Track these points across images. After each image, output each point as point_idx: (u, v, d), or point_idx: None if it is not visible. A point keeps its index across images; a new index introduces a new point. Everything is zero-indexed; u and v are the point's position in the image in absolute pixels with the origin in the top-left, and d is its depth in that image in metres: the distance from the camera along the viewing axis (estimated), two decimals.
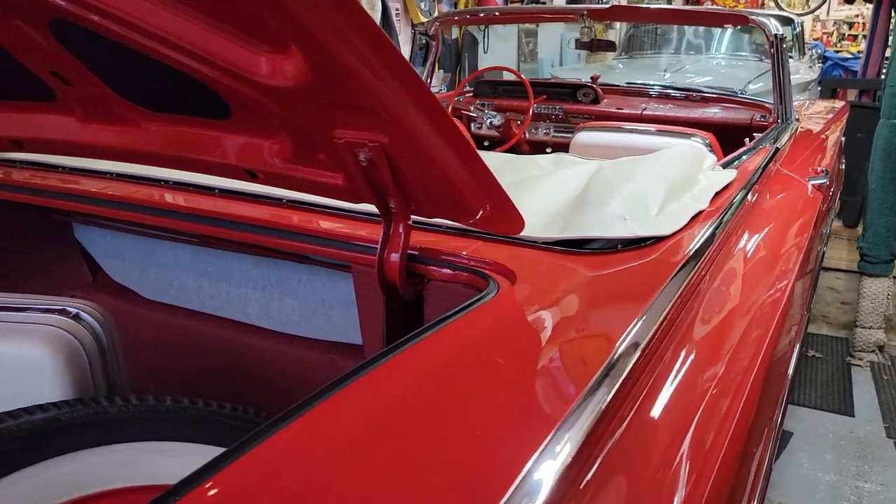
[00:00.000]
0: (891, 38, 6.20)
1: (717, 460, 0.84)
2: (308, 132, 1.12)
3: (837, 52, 13.22)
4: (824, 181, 2.53)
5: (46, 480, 0.90)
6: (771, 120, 3.60)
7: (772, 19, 3.42)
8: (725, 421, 0.91)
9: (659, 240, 1.30)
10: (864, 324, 3.72)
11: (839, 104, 4.80)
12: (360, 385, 0.83)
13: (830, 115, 4.09)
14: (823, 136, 3.55)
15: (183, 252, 1.79)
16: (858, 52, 14.41)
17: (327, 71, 0.92)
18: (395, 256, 1.19)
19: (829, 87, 7.45)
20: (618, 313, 1.01)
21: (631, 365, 0.84)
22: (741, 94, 4.31)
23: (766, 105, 3.85)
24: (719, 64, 7.00)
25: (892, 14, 6.29)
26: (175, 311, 1.82)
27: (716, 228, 1.39)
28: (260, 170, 1.29)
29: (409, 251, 1.19)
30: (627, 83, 4.49)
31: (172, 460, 0.99)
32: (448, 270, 1.20)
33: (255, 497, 0.65)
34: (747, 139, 3.19)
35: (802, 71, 7.68)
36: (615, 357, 0.85)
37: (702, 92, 4.24)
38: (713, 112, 3.85)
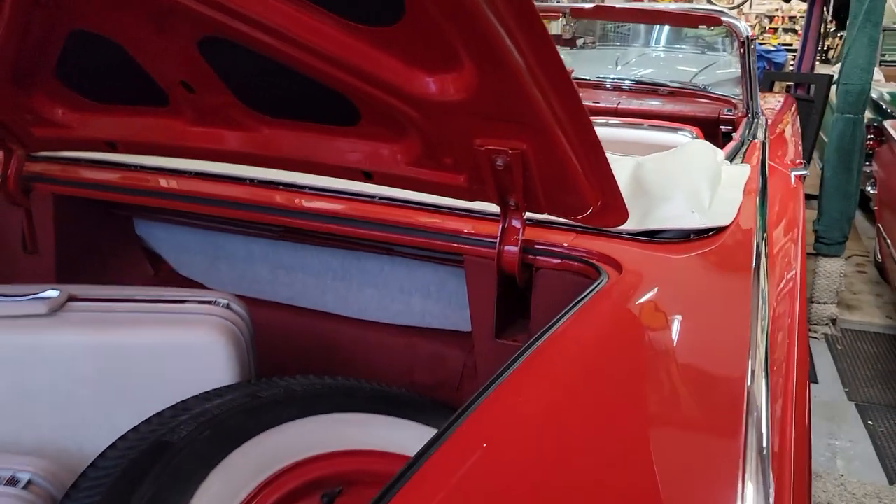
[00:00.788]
0: (840, 36, 6.67)
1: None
2: (445, 140, 1.26)
3: (761, 44, 13.89)
4: (805, 172, 2.82)
5: (268, 449, 1.03)
6: (739, 114, 3.89)
7: (742, 21, 3.71)
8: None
9: (720, 229, 1.51)
10: (819, 299, 4.11)
11: (780, 97, 5.17)
12: (530, 369, 0.97)
13: (777, 108, 4.42)
14: (781, 128, 3.86)
15: (258, 245, 1.90)
16: (780, 44, 15.30)
17: (497, 87, 1.07)
18: (512, 249, 1.35)
19: (768, 80, 7.96)
20: (729, 296, 1.21)
21: (766, 343, 1.03)
22: (706, 89, 4.62)
23: (731, 100, 4.15)
24: (659, 57, 7.34)
25: (825, 12, 6.79)
26: (247, 301, 1.93)
27: (762, 217, 1.62)
28: (378, 171, 1.43)
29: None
30: (598, 77, 4.73)
31: (356, 428, 1.13)
32: (556, 260, 1.38)
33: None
34: (734, 132, 3.44)
35: (735, 65, 8.14)
36: (756, 337, 1.03)
37: (668, 87, 4.52)
38: (683, 107, 4.12)
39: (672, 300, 1.20)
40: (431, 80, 1.12)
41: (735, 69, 8.24)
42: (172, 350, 1.21)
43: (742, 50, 3.80)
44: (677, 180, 1.65)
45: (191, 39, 1.26)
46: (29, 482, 1.04)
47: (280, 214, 1.62)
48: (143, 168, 1.80)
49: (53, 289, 1.25)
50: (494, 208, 1.43)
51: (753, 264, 1.33)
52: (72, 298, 1.25)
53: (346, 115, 1.36)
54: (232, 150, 1.53)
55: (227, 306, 1.30)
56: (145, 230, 2.04)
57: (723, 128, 3.95)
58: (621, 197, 1.28)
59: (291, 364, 1.81)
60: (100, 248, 1.98)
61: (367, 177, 1.46)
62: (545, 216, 1.40)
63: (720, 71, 5.33)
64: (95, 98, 1.58)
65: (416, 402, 1.27)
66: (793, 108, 4.78)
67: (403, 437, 1.16)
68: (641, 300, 1.21)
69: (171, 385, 1.22)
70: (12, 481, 1.03)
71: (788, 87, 7.33)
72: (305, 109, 1.40)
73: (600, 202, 1.30)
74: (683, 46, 8.01)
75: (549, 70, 1.02)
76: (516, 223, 1.35)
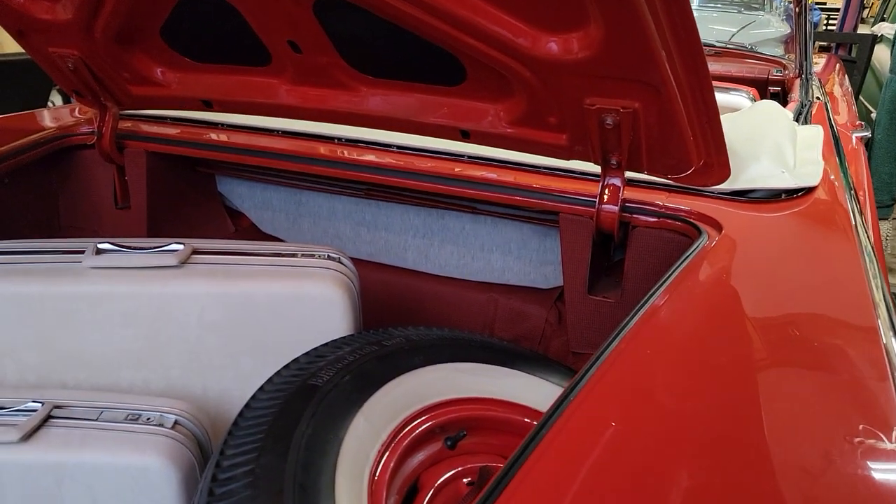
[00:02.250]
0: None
1: None
2: (553, 100, 1.29)
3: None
4: (866, 133, 2.79)
5: (399, 394, 1.09)
6: (790, 75, 3.83)
7: None
8: None
9: (809, 189, 1.53)
10: None
11: (822, 58, 5.06)
12: (651, 326, 0.99)
13: (821, 69, 4.34)
14: (829, 89, 3.80)
15: (340, 203, 1.95)
16: (814, 3, 14.83)
17: (623, 46, 1.09)
18: (611, 207, 1.39)
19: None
20: (837, 255, 1.23)
21: (885, 301, 1.06)
22: (753, 49, 4.54)
23: (781, 60, 4.08)
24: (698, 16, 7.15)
25: None
26: None
27: (846, 177, 1.63)
28: (477, 131, 1.46)
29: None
30: None
31: (473, 377, 1.19)
32: (653, 218, 1.41)
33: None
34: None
35: (776, 23, 7.95)
36: (875, 295, 1.06)
37: (714, 46, 4.45)
38: (731, 67, 4.05)
39: (781, 259, 1.23)
40: (554, 39, 1.14)
41: (774, 29, 8.07)
42: (294, 301, 1.27)
43: (797, 8, 3.73)
44: (761, 141, 1.66)
45: (308, 1, 1.29)
46: (175, 423, 1.11)
47: (369, 172, 1.66)
48: (232, 126, 1.85)
49: (178, 242, 1.31)
50: (588, 167, 1.46)
51: (853, 223, 1.35)
52: (195, 252, 1.31)
53: (451, 74, 1.38)
54: (330, 109, 1.57)
55: (339, 260, 1.36)
56: (227, 187, 2.09)
57: (771, 89, 3.90)
58: (727, 155, 1.30)
59: (372, 318, 1.88)
60: (185, 204, 2.04)
61: (465, 136, 1.49)
62: (633, 174, 1.42)
63: (758, 31, 5.23)
64: (196, 57, 1.61)
65: (524, 353, 1.32)
66: (838, 68, 4.69)
67: (516, 385, 1.22)
68: (750, 258, 1.24)
69: (292, 334, 1.29)
70: (160, 422, 1.10)
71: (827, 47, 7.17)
72: (410, 70, 1.43)
73: (703, 161, 1.32)
74: (717, 5, 7.84)
75: (678, 27, 1.04)
76: (616, 182, 1.38)
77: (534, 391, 1.22)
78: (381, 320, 1.93)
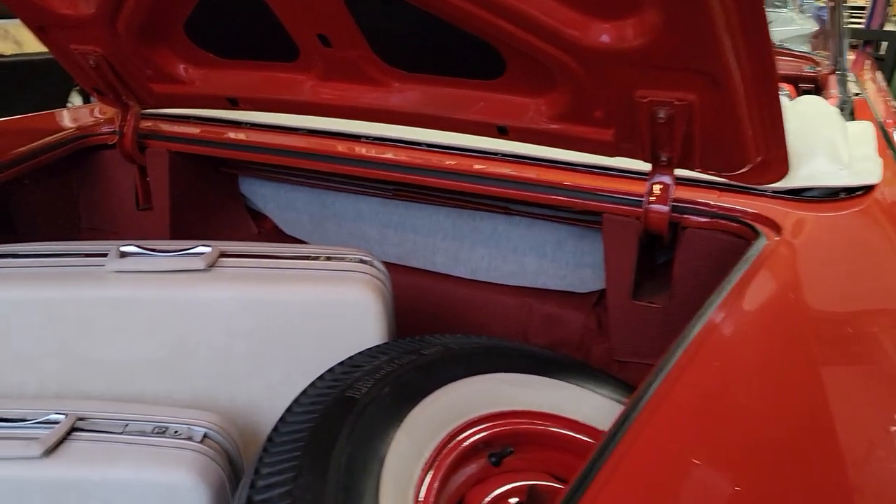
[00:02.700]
0: None
1: None
2: (601, 92, 1.21)
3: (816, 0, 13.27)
4: None
5: (441, 407, 1.02)
6: (824, 72, 3.73)
7: None
8: None
9: (869, 187, 1.44)
10: None
11: (851, 55, 4.94)
12: (718, 335, 0.93)
13: (850, 66, 4.22)
14: (864, 85, 3.69)
15: (367, 204, 1.88)
16: None
17: (683, 32, 1.01)
18: (661, 207, 1.31)
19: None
20: None
21: None
22: (783, 45, 4.43)
23: (813, 57, 3.97)
24: None
25: None
26: None
27: None
28: (515, 127, 1.39)
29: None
30: None
31: (518, 388, 1.12)
32: (705, 218, 1.33)
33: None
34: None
35: (799, 21, 7.83)
36: None
37: None
38: None
39: (847, 262, 1.15)
40: (606, 27, 1.07)
41: (799, 26, 7.95)
42: (326, 306, 1.20)
43: (832, 3, 3.62)
44: (813, 137, 1.58)
45: None
46: (204, 436, 1.05)
47: (397, 171, 1.59)
48: (255, 125, 1.79)
49: (204, 244, 1.24)
50: (633, 165, 1.39)
51: None
52: (222, 255, 1.25)
53: (489, 67, 1.31)
54: (359, 106, 1.50)
55: (371, 263, 1.29)
56: (250, 188, 2.04)
57: (802, 86, 3.80)
58: (786, 150, 1.22)
59: (399, 324, 1.81)
60: (207, 205, 1.98)
61: (502, 132, 1.42)
62: (681, 171, 1.34)
63: (783, 28, 5.13)
64: (221, 53, 1.55)
65: (569, 362, 1.24)
66: (869, 65, 4.58)
67: (563, 397, 1.14)
68: (814, 261, 1.15)
69: (323, 342, 1.22)
70: (188, 435, 1.04)
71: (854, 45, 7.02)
72: (444, 62, 1.36)
73: (761, 157, 1.24)
74: None
75: (745, 9, 0.96)
76: (667, 180, 1.30)
77: (582, 404, 1.15)
78: (408, 326, 1.85)
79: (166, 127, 1.83)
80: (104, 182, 1.94)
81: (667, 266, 1.54)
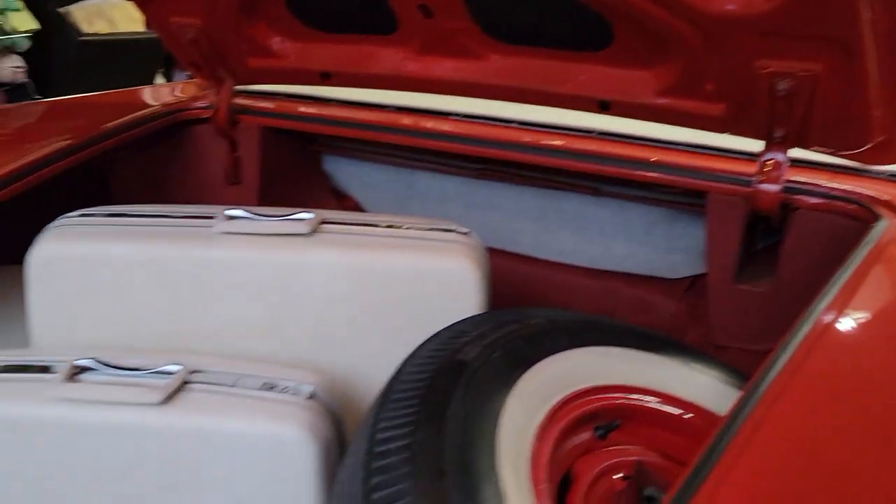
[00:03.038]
0: None
1: None
2: (716, 63, 1.17)
3: None
4: None
5: (549, 377, 1.00)
6: None
7: None
8: None
9: None
10: None
11: None
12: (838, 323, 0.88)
13: None
14: None
15: (451, 184, 1.88)
16: None
17: None
18: (772, 187, 1.26)
19: None
20: None
21: None
22: None
23: None
24: None
25: None
26: None
27: None
28: (619, 101, 1.36)
29: None
30: None
31: (624, 363, 1.09)
32: (819, 199, 1.28)
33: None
34: None
35: None
36: None
37: None
38: None
39: None
40: None
41: None
42: (426, 275, 1.20)
43: None
44: None
45: None
46: (311, 394, 1.05)
47: (486, 147, 1.57)
48: (344, 102, 1.80)
49: (306, 211, 1.25)
50: (737, 143, 1.34)
51: None
52: (323, 221, 1.26)
53: (595, 38, 1.29)
54: (455, 80, 1.50)
55: (469, 235, 1.28)
56: (334, 167, 2.05)
57: None
58: None
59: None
60: (292, 182, 2.01)
61: (603, 108, 1.39)
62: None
63: None
64: (318, 26, 1.57)
65: (672, 341, 1.21)
66: None
67: (669, 375, 1.11)
68: None
69: (422, 309, 1.22)
70: (295, 393, 1.05)
71: None
72: (547, 34, 1.34)
73: (883, 136, 1.18)
74: None
75: None
76: (780, 157, 1.25)
77: (688, 383, 1.11)
78: (490, 306, 1.84)
79: (258, 103, 1.86)
80: (194, 156, 1.98)
81: (766, 251, 1.49)
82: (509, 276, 1.85)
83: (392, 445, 0.81)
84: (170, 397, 0.99)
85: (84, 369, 1.03)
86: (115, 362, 1.04)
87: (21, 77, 3.05)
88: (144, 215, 1.26)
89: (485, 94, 1.49)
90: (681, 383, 1.11)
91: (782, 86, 1.12)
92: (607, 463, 1.01)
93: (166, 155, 1.98)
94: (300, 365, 1.20)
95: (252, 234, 1.21)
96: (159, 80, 3.70)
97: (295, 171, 2.00)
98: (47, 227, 1.26)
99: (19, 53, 3.09)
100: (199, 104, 1.92)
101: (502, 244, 1.86)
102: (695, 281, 1.68)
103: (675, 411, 1.08)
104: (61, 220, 1.26)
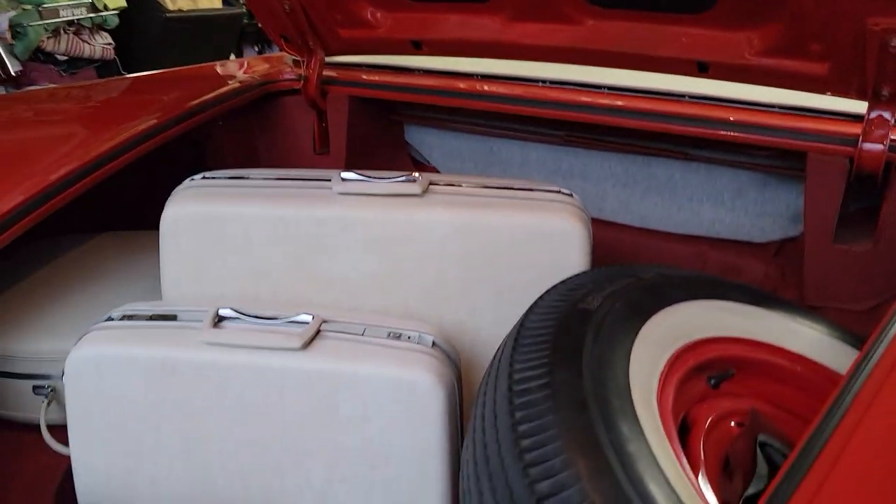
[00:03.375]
0: None
1: None
2: (826, 21, 1.18)
3: None
4: None
5: (668, 327, 1.04)
6: None
7: None
8: None
9: None
10: None
11: None
12: None
13: None
14: None
15: (535, 151, 1.91)
16: None
17: None
18: (876, 146, 1.26)
19: None
20: None
21: None
22: None
23: None
24: None
25: None
26: None
27: None
28: (718, 63, 1.37)
29: None
30: None
31: (729, 315, 1.13)
32: None
33: None
34: None
35: None
36: None
37: None
38: None
39: None
40: None
41: None
42: (534, 233, 1.24)
43: None
44: None
45: None
46: (433, 343, 1.11)
47: (579, 111, 1.59)
48: (431, 71, 1.84)
49: (415, 174, 1.31)
50: (835, 105, 1.35)
51: None
52: (432, 182, 1.31)
53: (698, 0, 1.30)
54: (550, 45, 1.52)
55: (572, 195, 1.31)
56: (416, 137, 2.10)
57: None
58: None
59: None
60: (376, 152, 2.07)
61: (702, 70, 1.40)
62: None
63: None
64: None
65: (777, 297, 1.23)
66: None
67: (778, 329, 1.14)
68: None
69: (529, 267, 1.26)
70: (419, 342, 1.11)
71: None
72: None
73: None
74: None
75: None
76: (887, 116, 1.25)
77: (798, 337, 1.14)
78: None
79: (346, 73, 1.92)
80: (283, 127, 2.06)
81: (860, 213, 1.49)
82: (595, 243, 1.88)
83: (532, 384, 0.86)
84: (308, 343, 1.06)
85: (225, 318, 1.11)
86: (252, 312, 1.12)
87: (110, 54, 3.19)
88: (264, 178, 1.33)
89: (581, 59, 1.51)
90: (790, 337, 1.14)
91: (895, 42, 1.12)
92: (722, 410, 1.05)
93: (257, 125, 2.06)
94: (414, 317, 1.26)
95: (369, 195, 1.27)
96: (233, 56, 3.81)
97: (378, 141, 2.06)
98: (176, 189, 1.34)
99: (108, 31, 3.23)
100: (288, 76, 1.99)
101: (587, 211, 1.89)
102: (783, 245, 1.69)
103: (785, 363, 1.11)
104: (188, 183, 1.34)
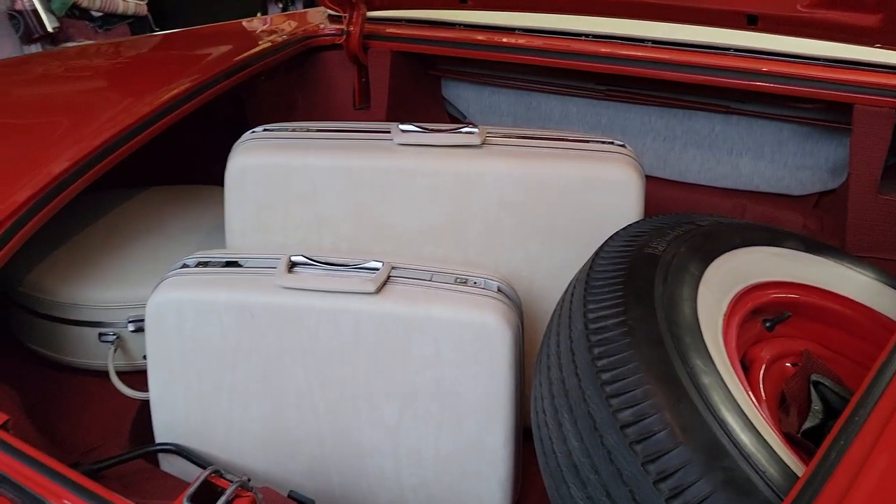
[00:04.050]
0: None
1: None
2: None
3: None
4: None
5: (729, 270, 1.08)
6: None
7: None
8: None
9: None
10: None
11: None
12: None
13: None
14: None
15: (575, 106, 1.93)
16: None
17: None
18: None
19: None
20: None
21: None
22: None
23: None
24: None
25: None
26: None
27: None
28: (769, 14, 1.39)
29: None
30: None
31: (784, 261, 1.16)
32: None
33: None
34: None
35: None
36: None
37: None
38: None
39: None
40: None
41: None
42: (590, 182, 1.27)
43: None
44: None
45: None
46: (498, 289, 1.16)
47: (617, 64, 1.61)
48: (471, 26, 1.85)
49: (471, 126, 1.33)
50: (880, 57, 1.37)
51: None
52: (488, 134, 1.34)
53: None
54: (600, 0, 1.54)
55: (625, 146, 1.34)
56: (454, 92, 2.12)
57: None
58: None
59: None
60: (416, 107, 2.08)
61: (751, 22, 1.42)
62: None
63: None
64: None
65: (830, 245, 1.26)
66: None
67: (832, 275, 1.18)
68: None
69: (584, 216, 1.30)
70: (485, 287, 1.15)
71: None
72: None
73: None
74: None
75: None
76: None
77: (847, 281, 1.18)
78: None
79: (387, 28, 1.92)
80: (324, 82, 2.07)
81: None
82: None
83: (609, 322, 0.91)
84: (380, 288, 1.11)
85: (298, 264, 1.16)
86: (322, 259, 1.16)
87: (143, 10, 3.18)
88: (325, 129, 1.36)
89: (628, 13, 1.53)
90: (840, 282, 1.18)
91: None
92: (778, 351, 1.10)
93: (297, 81, 2.07)
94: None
95: (429, 146, 1.30)
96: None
97: (417, 96, 2.08)
98: (238, 141, 1.37)
99: None
100: (328, 31, 2.00)
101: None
102: (821, 197, 1.72)
103: (836, 307, 1.16)
104: (249, 135, 1.37)
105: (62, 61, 1.91)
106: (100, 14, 3.06)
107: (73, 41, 2.99)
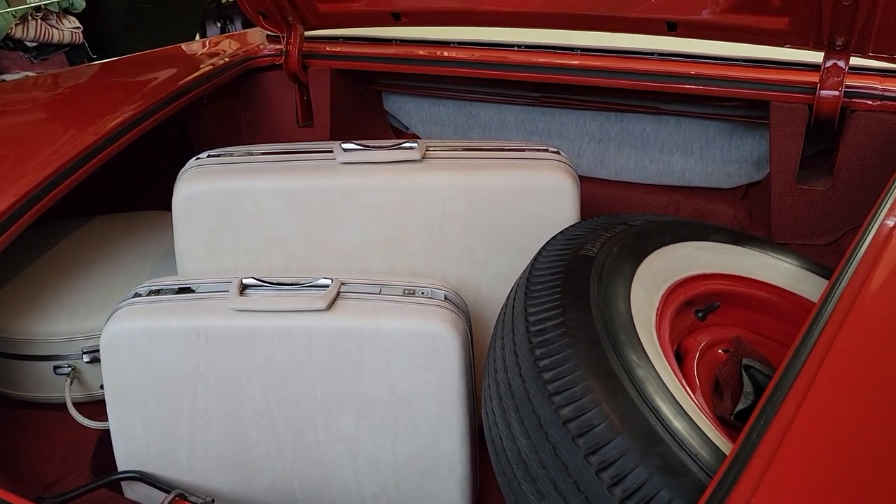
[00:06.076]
0: None
1: None
2: None
3: None
4: None
5: (659, 267, 1.15)
6: None
7: None
8: None
9: None
10: None
11: None
12: None
13: None
14: None
15: (512, 113, 1.99)
16: None
17: None
18: (832, 93, 1.38)
19: None
20: None
21: None
22: None
23: None
24: None
25: None
26: None
27: None
28: (687, 21, 1.47)
29: None
30: None
31: (711, 254, 1.24)
32: (874, 101, 1.40)
33: None
34: None
35: None
36: None
37: None
38: None
39: None
40: None
41: None
42: (529, 190, 1.33)
43: None
44: None
45: None
46: (445, 297, 1.21)
47: (554, 73, 1.68)
48: (407, 41, 1.90)
49: (412, 141, 1.38)
50: (793, 56, 1.46)
51: None
52: (428, 148, 1.38)
53: None
54: (527, 11, 1.60)
55: (559, 152, 1.41)
56: (395, 105, 2.16)
57: None
58: None
59: None
60: (357, 122, 2.12)
61: (671, 28, 1.50)
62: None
63: None
64: None
65: (752, 236, 1.35)
66: None
67: (754, 263, 1.26)
68: None
69: (524, 222, 1.36)
70: (432, 296, 1.20)
71: None
72: None
73: None
74: None
75: None
76: (841, 64, 1.37)
77: (773, 270, 1.26)
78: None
79: (325, 47, 1.96)
80: (265, 102, 2.09)
81: (817, 156, 1.62)
82: None
83: (548, 324, 0.96)
84: (331, 304, 1.14)
85: (249, 286, 1.18)
86: (273, 280, 1.19)
87: (79, 38, 3.12)
88: (269, 152, 1.39)
89: (555, 24, 1.59)
90: (765, 270, 1.26)
91: None
92: (710, 339, 1.17)
93: (240, 102, 2.09)
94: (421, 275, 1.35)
95: (371, 163, 1.34)
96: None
97: (360, 110, 2.12)
98: (184, 168, 1.39)
99: (75, 15, 3.16)
100: (268, 52, 2.02)
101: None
102: (748, 189, 1.82)
103: (763, 294, 1.24)
104: (194, 162, 1.39)
105: (5, 94, 1.88)
106: (34, 44, 3.01)
107: (9, 73, 2.94)
